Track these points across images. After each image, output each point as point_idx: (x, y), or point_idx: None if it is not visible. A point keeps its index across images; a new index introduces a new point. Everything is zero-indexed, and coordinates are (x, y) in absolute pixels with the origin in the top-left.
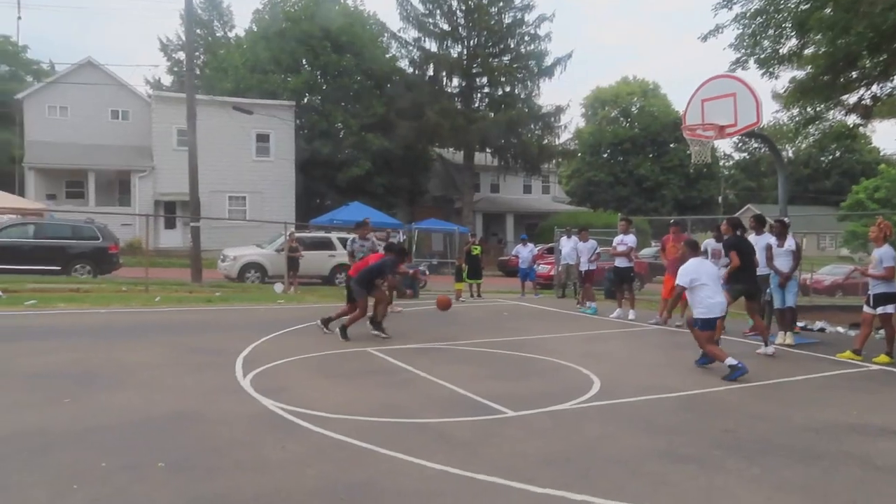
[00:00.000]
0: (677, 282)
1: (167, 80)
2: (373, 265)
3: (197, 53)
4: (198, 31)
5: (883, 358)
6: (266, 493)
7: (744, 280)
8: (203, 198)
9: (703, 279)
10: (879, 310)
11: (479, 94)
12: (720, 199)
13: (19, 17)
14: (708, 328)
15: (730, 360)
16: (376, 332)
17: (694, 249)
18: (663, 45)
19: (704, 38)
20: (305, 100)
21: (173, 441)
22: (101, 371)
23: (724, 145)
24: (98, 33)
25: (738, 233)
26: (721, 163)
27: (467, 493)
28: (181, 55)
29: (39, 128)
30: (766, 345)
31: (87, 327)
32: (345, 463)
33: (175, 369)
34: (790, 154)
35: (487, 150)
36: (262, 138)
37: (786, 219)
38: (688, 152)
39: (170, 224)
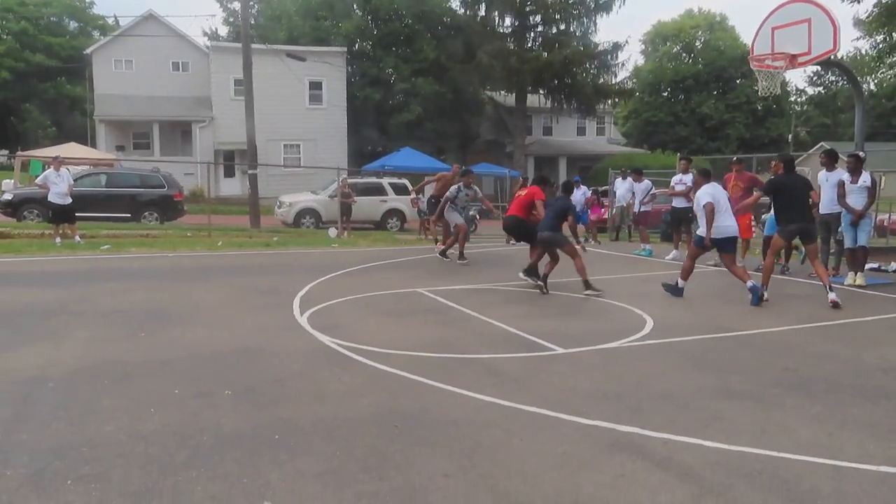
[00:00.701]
0: (703, 202)
1: (223, 30)
2: (557, 207)
3: (251, 2)
4: None
5: None
6: (324, 419)
7: (795, 219)
8: (259, 146)
9: (717, 202)
10: None
11: (532, 34)
12: (790, 137)
13: None
14: (726, 249)
15: (681, 281)
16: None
17: (706, 177)
18: None
19: None
20: (357, 46)
21: (239, 372)
22: (172, 309)
23: (797, 79)
24: None
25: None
26: (792, 98)
27: (517, 424)
28: (236, 5)
29: (107, 81)
30: (830, 290)
31: (156, 270)
32: (398, 394)
33: (238, 308)
34: (872, 87)
35: (540, 91)
36: (315, 86)
37: (861, 153)
38: (755, 87)
39: (229, 172)
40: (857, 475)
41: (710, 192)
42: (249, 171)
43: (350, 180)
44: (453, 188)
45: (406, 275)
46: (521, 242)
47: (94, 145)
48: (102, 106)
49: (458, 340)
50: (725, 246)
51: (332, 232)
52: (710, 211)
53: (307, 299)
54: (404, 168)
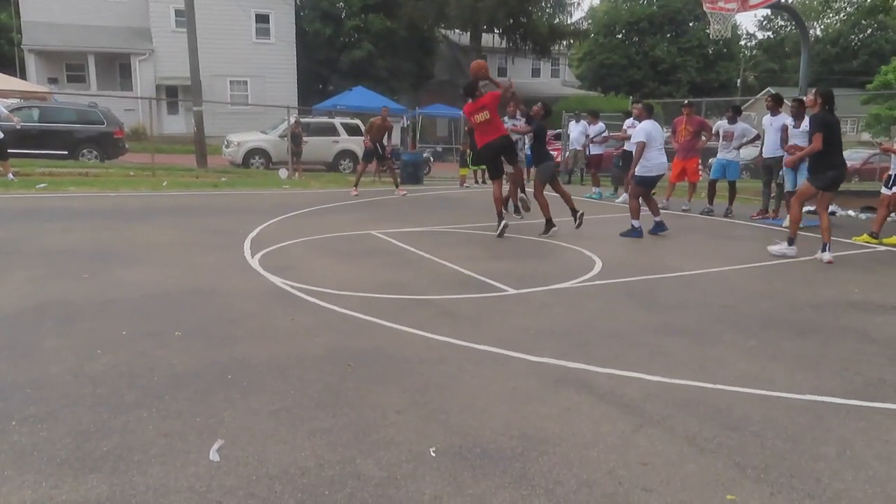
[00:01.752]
0: (637, 139)
1: None
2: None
3: None
4: None
5: (893, 239)
6: (278, 357)
7: (836, 165)
8: (204, 82)
9: (652, 140)
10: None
11: None
12: (739, 81)
13: None
14: (644, 185)
15: (634, 222)
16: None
17: (649, 112)
18: None
19: None
20: None
21: (189, 312)
22: (116, 249)
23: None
24: None
25: (827, 108)
26: (742, 43)
27: (469, 361)
28: None
29: (35, 8)
30: (825, 250)
31: (98, 209)
32: (351, 333)
33: (186, 248)
34: (818, 32)
35: (495, 31)
36: (262, 19)
37: (805, 98)
38: (707, 31)
39: (172, 109)
40: (785, 403)
41: (647, 130)
42: (194, 109)
43: (301, 120)
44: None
45: (359, 217)
46: (478, 184)
47: (23, 77)
48: (31, 34)
49: (411, 282)
50: (647, 182)
51: (283, 173)
52: (641, 149)
53: (258, 241)
54: (357, 108)
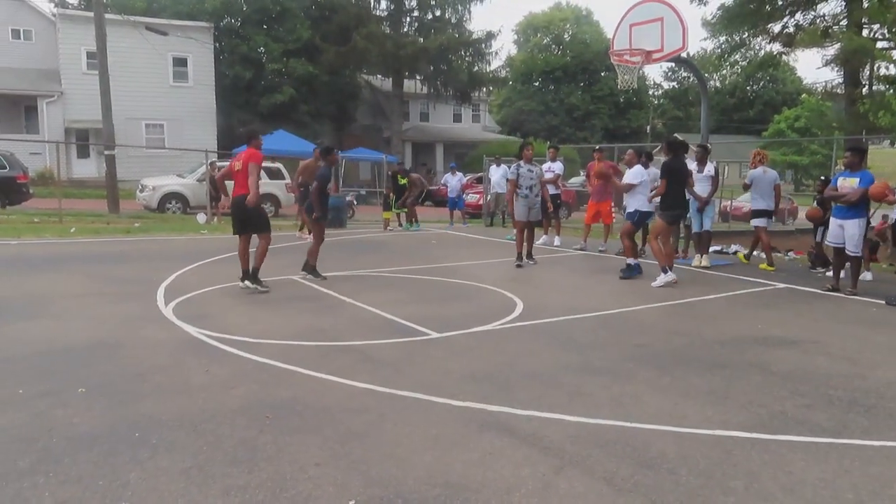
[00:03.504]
0: (634, 179)
1: None
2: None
3: None
4: None
5: (764, 265)
6: (190, 413)
7: (680, 204)
8: (118, 125)
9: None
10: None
11: (408, 18)
12: (648, 128)
13: None
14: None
15: (630, 260)
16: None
17: (641, 157)
18: None
19: None
20: (224, 22)
21: (94, 368)
22: (15, 302)
23: (654, 74)
24: None
25: (674, 156)
26: (650, 92)
27: (391, 408)
28: None
29: None
30: (666, 272)
31: None
32: (269, 384)
33: (94, 299)
34: (717, 84)
35: (417, 77)
36: (180, 62)
37: (707, 145)
38: (617, 80)
39: (83, 153)
40: (697, 439)
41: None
42: (106, 152)
43: (219, 163)
44: (513, 167)
45: (280, 262)
46: (401, 227)
47: None
48: None
49: (332, 328)
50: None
51: (202, 218)
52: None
53: (172, 288)
54: (278, 151)
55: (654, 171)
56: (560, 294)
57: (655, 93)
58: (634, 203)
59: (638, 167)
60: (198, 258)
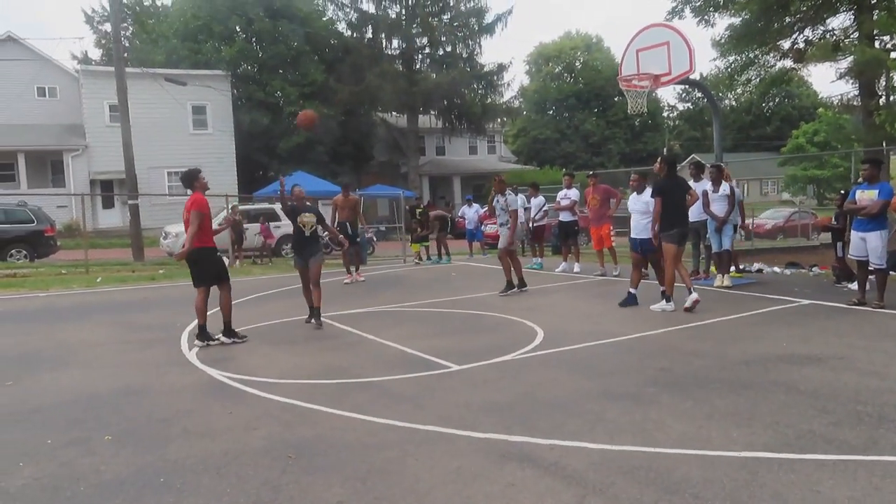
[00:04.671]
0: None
1: (95, 53)
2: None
3: (125, 24)
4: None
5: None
6: (214, 456)
7: (680, 223)
8: (141, 174)
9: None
10: None
11: (419, 56)
12: (665, 150)
13: None
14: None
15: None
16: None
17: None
18: None
19: None
20: (241, 69)
21: (120, 415)
22: (44, 353)
23: (668, 96)
24: (16, 5)
25: (669, 174)
26: (665, 114)
27: (411, 443)
28: (108, 27)
29: None
30: (668, 301)
31: (26, 311)
32: (291, 423)
33: (120, 347)
34: (732, 102)
35: (431, 112)
36: (199, 110)
37: (722, 164)
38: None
39: (108, 203)
40: (722, 462)
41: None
42: (129, 202)
43: (242, 207)
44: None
45: (301, 301)
46: (420, 261)
47: None
48: None
49: (353, 365)
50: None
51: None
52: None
53: (196, 333)
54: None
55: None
56: (580, 321)
57: (670, 114)
58: (634, 230)
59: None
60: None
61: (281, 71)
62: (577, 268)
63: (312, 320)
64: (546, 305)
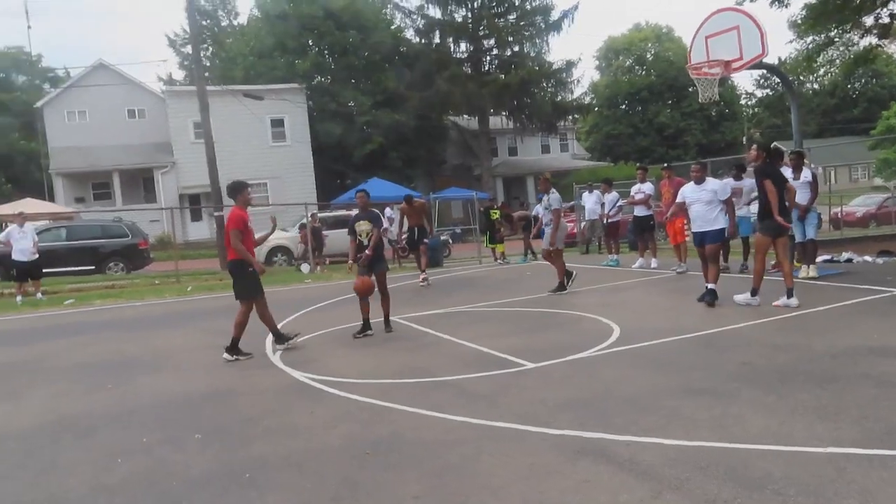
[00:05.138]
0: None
1: (179, 74)
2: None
3: (204, 45)
4: (203, 22)
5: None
6: (296, 454)
7: (781, 213)
8: (225, 187)
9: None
10: None
11: (487, 57)
12: (744, 139)
13: (29, 27)
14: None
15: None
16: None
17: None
18: None
19: None
20: (315, 81)
21: (209, 415)
22: (140, 358)
23: (746, 83)
24: (106, 34)
25: (769, 160)
26: (743, 102)
27: (486, 440)
28: (189, 49)
29: (61, 134)
30: (753, 294)
31: (124, 320)
32: (370, 422)
33: (209, 352)
34: (814, 85)
35: (502, 113)
36: (277, 123)
37: (802, 150)
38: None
39: (196, 216)
40: (806, 458)
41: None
42: (215, 213)
43: (320, 214)
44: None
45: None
46: (495, 262)
47: (52, 199)
48: (58, 159)
49: (429, 365)
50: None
51: (305, 268)
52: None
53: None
54: (373, 198)
55: (750, 181)
56: (658, 316)
57: (748, 102)
58: (696, 222)
59: (689, 185)
60: (302, 306)
61: (352, 81)
62: (654, 263)
63: (361, 334)
64: (622, 302)
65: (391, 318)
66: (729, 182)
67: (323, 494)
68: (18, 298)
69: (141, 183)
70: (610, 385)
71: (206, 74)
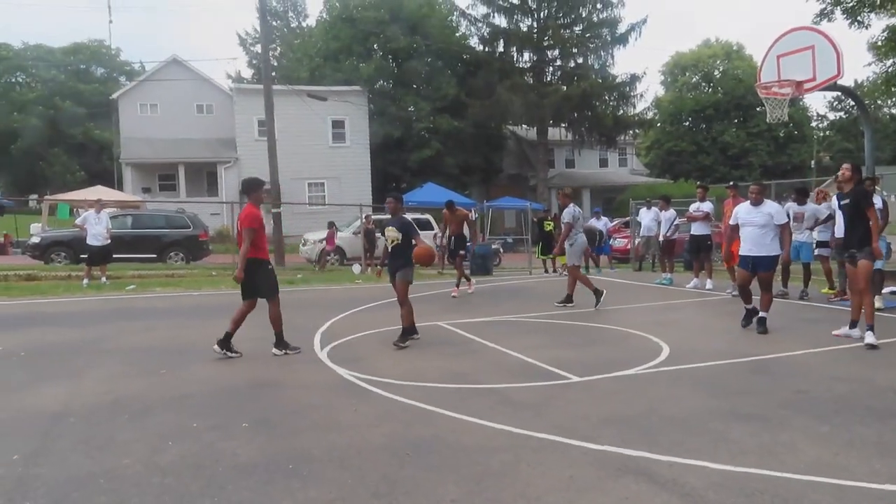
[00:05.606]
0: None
1: (247, 73)
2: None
3: (273, 45)
4: (273, 22)
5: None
6: (338, 448)
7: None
8: (283, 185)
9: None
10: None
11: (550, 68)
12: (813, 163)
13: (111, 21)
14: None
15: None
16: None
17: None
18: (748, 2)
19: None
20: (378, 84)
21: (256, 405)
22: (194, 346)
23: (818, 104)
24: (180, 31)
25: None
26: (814, 124)
27: (527, 450)
28: (259, 48)
29: (133, 125)
30: (859, 329)
31: (181, 308)
32: (412, 423)
33: (258, 343)
34: (893, 110)
35: (561, 124)
36: (338, 125)
37: (876, 176)
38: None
39: None
40: (860, 493)
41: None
42: (273, 210)
43: (374, 216)
44: (574, 211)
45: (427, 308)
46: (547, 273)
47: (120, 188)
48: (129, 149)
49: (474, 371)
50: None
51: (357, 268)
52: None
53: (328, 334)
54: (428, 203)
55: (812, 206)
56: (710, 338)
57: (819, 125)
58: (747, 245)
59: (744, 205)
60: (352, 306)
61: (414, 86)
62: (709, 284)
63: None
64: (673, 321)
65: (412, 334)
66: (790, 206)
67: (362, 490)
68: (85, 282)
69: (204, 176)
70: (656, 404)
71: (273, 74)
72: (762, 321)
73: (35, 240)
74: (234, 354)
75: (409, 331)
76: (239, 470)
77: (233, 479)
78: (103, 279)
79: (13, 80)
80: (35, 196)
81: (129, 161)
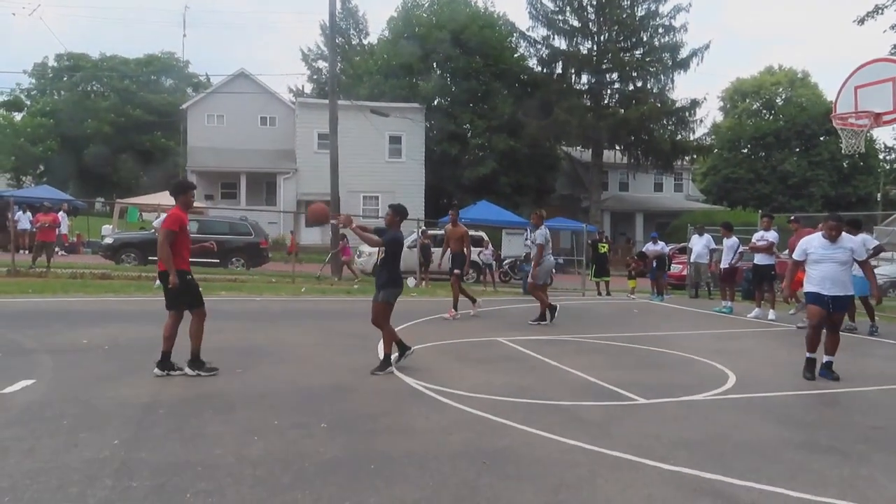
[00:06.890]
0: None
1: (308, 87)
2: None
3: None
4: (336, 39)
5: None
6: (416, 453)
7: None
8: (341, 197)
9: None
10: None
11: (608, 90)
12: (879, 196)
13: (185, 35)
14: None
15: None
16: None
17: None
18: (813, 30)
19: (861, 21)
20: (435, 102)
21: (332, 407)
22: (264, 348)
23: (885, 136)
24: (247, 46)
25: None
26: (881, 156)
27: (601, 466)
28: (320, 64)
29: (199, 135)
30: None
31: (247, 312)
32: (484, 433)
33: (326, 349)
34: None
35: (617, 147)
36: (395, 140)
37: None
38: (840, 144)
39: None
40: None
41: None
42: (332, 221)
43: (430, 232)
44: (545, 233)
45: (483, 324)
46: (600, 296)
47: None
48: (194, 157)
49: (538, 387)
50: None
51: (411, 282)
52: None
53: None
54: (480, 221)
55: (863, 237)
56: (776, 368)
57: (887, 157)
58: (825, 284)
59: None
60: (409, 318)
61: (471, 104)
62: (771, 315)
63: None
64: (736, 350)
65: (392, 365)
66: (868, 240)
67: (445, 494)
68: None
69: (264, 186)
70: (727, 430)
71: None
72: (830, 366)
73: (108, 241)
74: (205, 373)
75: (388, 360)
76: (324, 466)
77: (320, 474)
78: None
79: (89, 88)
80: (102, 199)
81: (194, 169)
